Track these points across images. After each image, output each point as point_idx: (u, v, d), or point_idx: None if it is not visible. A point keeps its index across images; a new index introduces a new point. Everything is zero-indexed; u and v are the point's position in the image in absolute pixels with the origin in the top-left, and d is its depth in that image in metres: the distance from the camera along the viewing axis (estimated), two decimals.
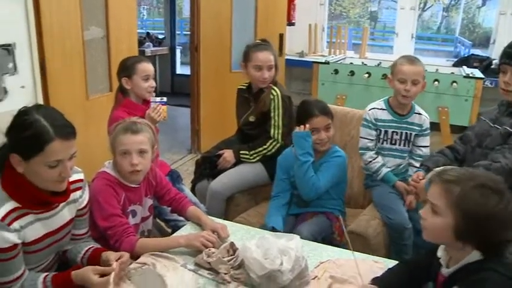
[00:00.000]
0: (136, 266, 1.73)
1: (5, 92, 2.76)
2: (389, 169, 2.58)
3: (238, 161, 2.86)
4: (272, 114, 2.80)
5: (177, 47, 8.44)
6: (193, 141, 5.11)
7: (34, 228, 1.63)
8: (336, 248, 1.97)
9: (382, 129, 2.59)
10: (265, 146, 2.81)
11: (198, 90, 4.86)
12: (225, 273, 1.66)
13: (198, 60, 4.78)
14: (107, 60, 3.68)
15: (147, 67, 2.67)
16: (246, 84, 2.98)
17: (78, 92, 3.36)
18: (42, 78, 3.05)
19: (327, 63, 5.11)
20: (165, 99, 2.65)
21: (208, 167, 2.89)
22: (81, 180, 1.81)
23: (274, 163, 2.59)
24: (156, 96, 2.71)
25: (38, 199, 1.61)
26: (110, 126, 2.53)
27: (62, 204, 1.72)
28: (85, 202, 1.83)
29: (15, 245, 1.56)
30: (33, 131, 1.50)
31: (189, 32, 5.17)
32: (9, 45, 2.77)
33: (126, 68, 2.66)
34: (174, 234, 2.03)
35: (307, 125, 2.36)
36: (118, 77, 2.69)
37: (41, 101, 2.98)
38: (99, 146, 2.81)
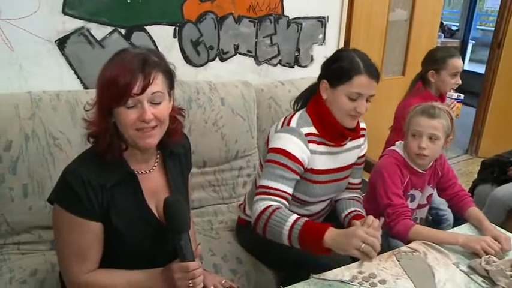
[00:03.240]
0: (407, 250, 1.72)
1: (311, 59, 3.01)
2: None
3: None
4: None
5: (470, 41, 7.93)
6: (472, 142, 4.81)
7: (322, 158, 1.81)
8: None
9: None
10: None
11: (491, 90, 4.49)
12: None
13: (498, 58, 4.39)
14: (406, 44, 3.70)
15: (459, 63, 2.51)
16: None
17: None
18: None
19: None
20: (462, 96, 2.48)
21: (496, 171, 2.69)
22: (364, 129, 1.98)
23: None
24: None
25: (334, 129, 1.78)
26: (400, 111, 2.54)
27: (348, 147, 1.88)
28: (364, 151, 2.01)
29: (301, 163, 1.72)
30: (347, 62, 1.71)
31: (483, 27, 4.78)
32: (323, 17, 2.98)
33: (436, 61, 2.54)
34: (451, 230, 1.95)
35: None
36: (423, 65, 2.61)
37: None
38: (384, 125, 2.85)
